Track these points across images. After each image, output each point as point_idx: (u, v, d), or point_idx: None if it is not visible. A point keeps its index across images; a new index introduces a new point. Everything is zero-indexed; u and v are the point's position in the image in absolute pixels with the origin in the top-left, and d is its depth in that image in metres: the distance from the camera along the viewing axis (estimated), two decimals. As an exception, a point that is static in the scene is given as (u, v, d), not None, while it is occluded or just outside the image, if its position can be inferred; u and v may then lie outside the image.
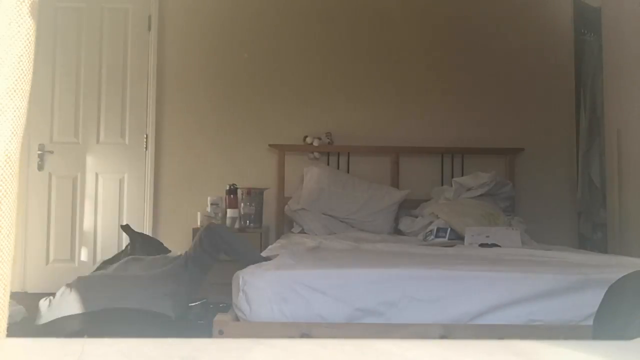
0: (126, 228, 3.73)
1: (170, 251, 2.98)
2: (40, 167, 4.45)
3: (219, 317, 2.06)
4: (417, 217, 4.03)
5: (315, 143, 4.33)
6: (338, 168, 4.36)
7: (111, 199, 4.46)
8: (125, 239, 4.02)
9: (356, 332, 1.96)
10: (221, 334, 1.97)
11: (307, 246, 2.99)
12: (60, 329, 2.29)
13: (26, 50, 0.90)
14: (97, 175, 4.48)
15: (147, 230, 4.28)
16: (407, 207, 4.18)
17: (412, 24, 4.50)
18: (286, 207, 4.15)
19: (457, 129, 4.42)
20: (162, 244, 3.49)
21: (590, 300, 1.92)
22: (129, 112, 4.47)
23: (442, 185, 4.29)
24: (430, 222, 3.74)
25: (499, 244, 3.08)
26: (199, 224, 4.09)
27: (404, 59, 4.48)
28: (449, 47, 4.48)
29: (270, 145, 4.38)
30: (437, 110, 4.44)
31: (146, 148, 4.44)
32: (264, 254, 2.65)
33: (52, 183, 4.47)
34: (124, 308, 2.33)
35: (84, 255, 4.43)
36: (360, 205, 4.06)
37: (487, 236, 3.21)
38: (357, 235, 3.70)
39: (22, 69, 0.90)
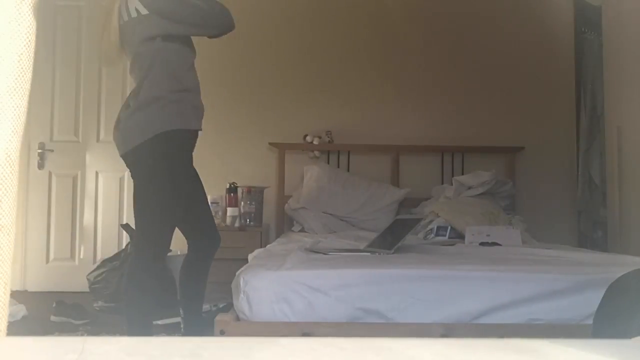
0: (126, 227, 3.73)
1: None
2: (41, 166, 4.44)
3: (220, 317, 2.05)
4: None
5: (316, 141, 4.33)
6: (338, 167, 4.35)
7: (111, 197, 4.46)
8: (126, 238, 4.02)
9: (357, 332, 1.95)
10: (222, 334, 1.97)
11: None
12: None
13: (26, 49, 0.90)
14: (97, 173, 4.47)
15: (147, 229, 4.27)
16: (408, 205, 4.18)
17: (411, 23, 4.49)
18: (286, 205, 4.15)
19: (458, 127, 4.41)
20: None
21: (591, 300, 1.91)
22: (129, 111, 4.46)
23: (443, 183, 4.28)
24: (431, 221, 3.73)
25: (499, 243, 3.08)
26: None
27: (404, 57, 4.47)
28: (449, 45, 4.48)
29: (270, 143, 4.37)
30: (437, 108, 4.44)
31: (146, 147, 4.43)
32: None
33: (52, 182, 4.47)
34: None
35: (84, 254, 4.43)
36: (360, 204, 4.06)
37: (488, 235, 3.21)
38: (357, 234, 3.69)
39: (22, 68, 0.89)
